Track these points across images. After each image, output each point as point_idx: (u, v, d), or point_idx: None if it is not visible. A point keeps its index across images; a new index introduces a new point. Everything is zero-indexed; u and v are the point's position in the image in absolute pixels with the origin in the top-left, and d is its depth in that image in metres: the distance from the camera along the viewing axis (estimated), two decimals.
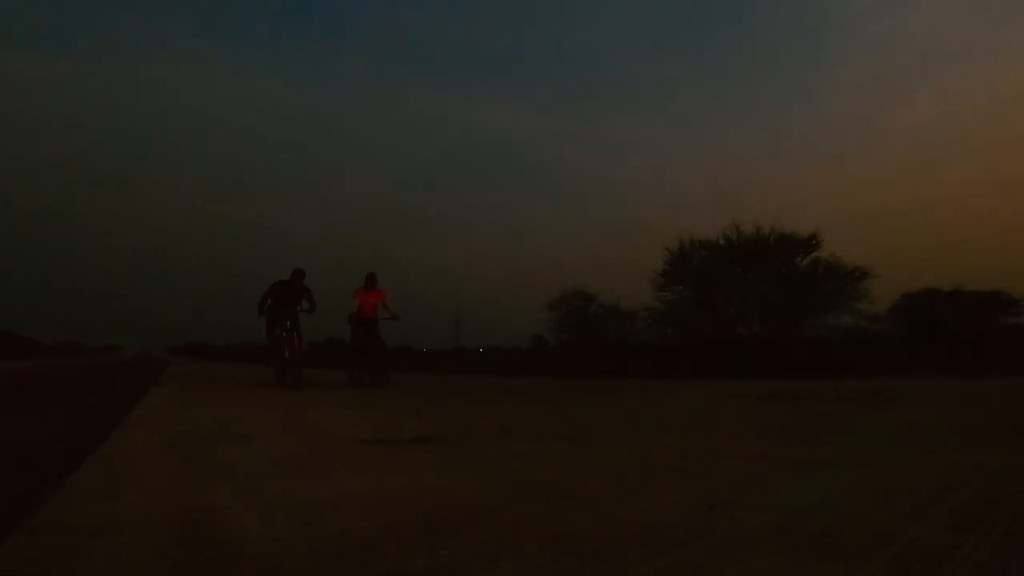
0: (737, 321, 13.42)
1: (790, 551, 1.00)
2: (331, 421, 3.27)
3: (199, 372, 11.40)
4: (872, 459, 1.93)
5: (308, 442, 2.45)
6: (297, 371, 6.36)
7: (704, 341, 12.41)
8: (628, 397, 5.15)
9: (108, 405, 4.23)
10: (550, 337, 18.26)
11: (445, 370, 13.94)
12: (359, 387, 6.63)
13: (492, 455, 2.09)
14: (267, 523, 1.21)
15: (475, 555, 1.02)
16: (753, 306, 13.31)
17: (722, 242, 13.83)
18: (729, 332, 12.84)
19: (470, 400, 5.19)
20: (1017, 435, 2.52)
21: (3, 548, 1.04)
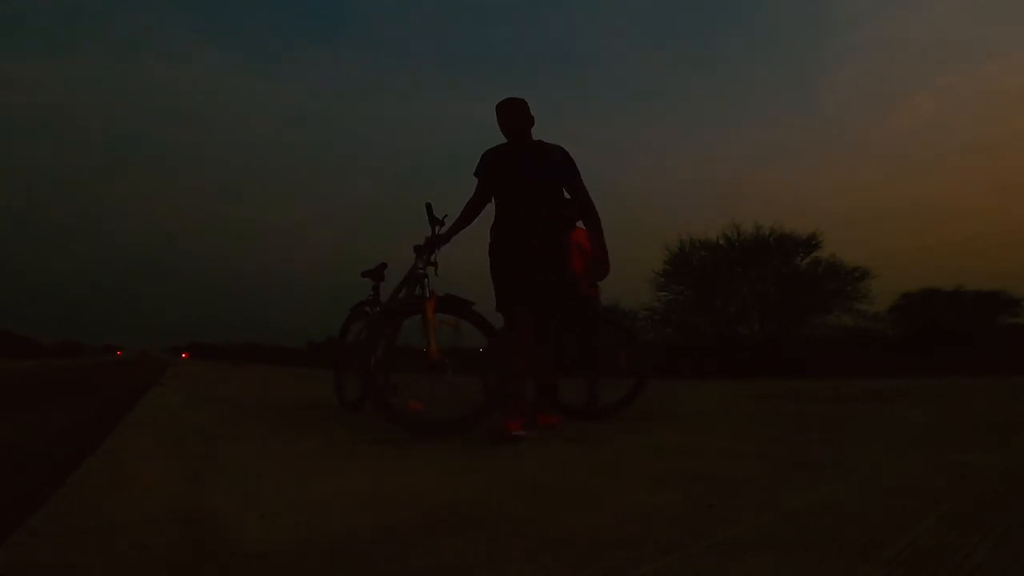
0: (737, 321, 13.42)
1: (790, 551, 1.00)
2: None
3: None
4: (872, 459, 1.93)
5: None
6: (544, 399, 2.98)
7: (704, 341, 12.40)
8: None
9: (108, 406, 4.23)
10: None
11: None
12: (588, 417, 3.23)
13: (491, 454, 2.09)
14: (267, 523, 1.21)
15: (475, 555, 1.02)
16: (753, 306, 13.31)
17: (722, 242, 13.85)
18: (729, 332, 12.83)
19: None
20: (1016, 435, 2.52)
21: (3, 548, 1.04)
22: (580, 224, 3.89)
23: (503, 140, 2.73)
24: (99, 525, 1.18)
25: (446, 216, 2.85)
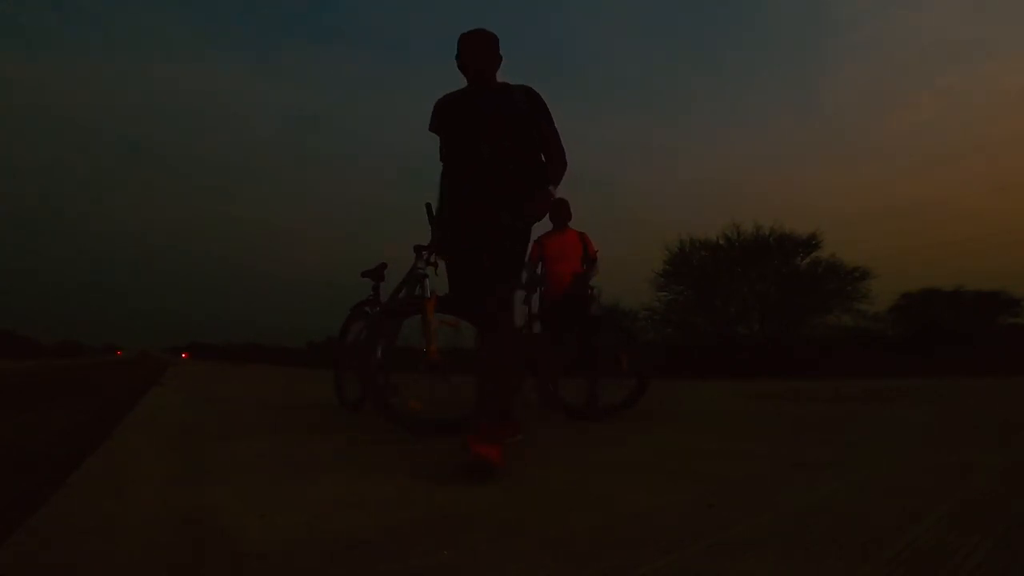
0: (737, 321, 13.42)
1: (790, 551, 1.00)
2: None
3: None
4: (872, 459, 1.93)
5: None
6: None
7: (704, 341, 12.41)
8: None
9: (108, 406, 4.23)
10: None
11: None
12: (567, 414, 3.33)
13: None
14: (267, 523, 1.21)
15: (475, 555, 1.02)
16: (753, 306, 13.31)
17: (722, 242, 13.85)
18: (729, 332, 12.83)
19: None
20: (1016, 435, 2.52)
21: (3, 548, 1.04)
22: (571, 224, 3.95)
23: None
24: (99, 525, 1.18)
25: None
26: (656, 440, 2.50)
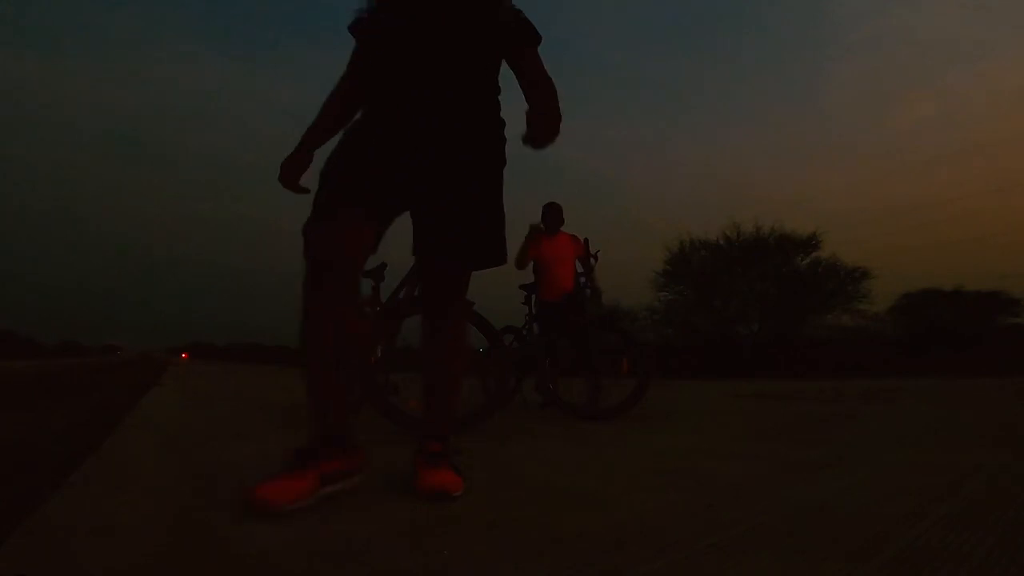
0: (737, 321, 13.42)
1: (790, 551, 1.00)
2: None
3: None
4: (872, 459, 1.93)
5: None
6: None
7: (704, 341, 12.42)
8: None
9: (108, 406, 4.23)
10: None
11: None
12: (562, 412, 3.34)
13: (490, 454, 2.09)
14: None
15: (475, 555, 1.02)
16: (753, 306, 13.31)
17: (722, 242, 13.85)
18: (729, 332, 12.84)
19: None
20: (1016, 435, 2.52)
21: (3, 548, 1.04)
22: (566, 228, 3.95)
23: None
24: (99, 525, 1.18)
25: None
26: (656, 440, 2.50)
